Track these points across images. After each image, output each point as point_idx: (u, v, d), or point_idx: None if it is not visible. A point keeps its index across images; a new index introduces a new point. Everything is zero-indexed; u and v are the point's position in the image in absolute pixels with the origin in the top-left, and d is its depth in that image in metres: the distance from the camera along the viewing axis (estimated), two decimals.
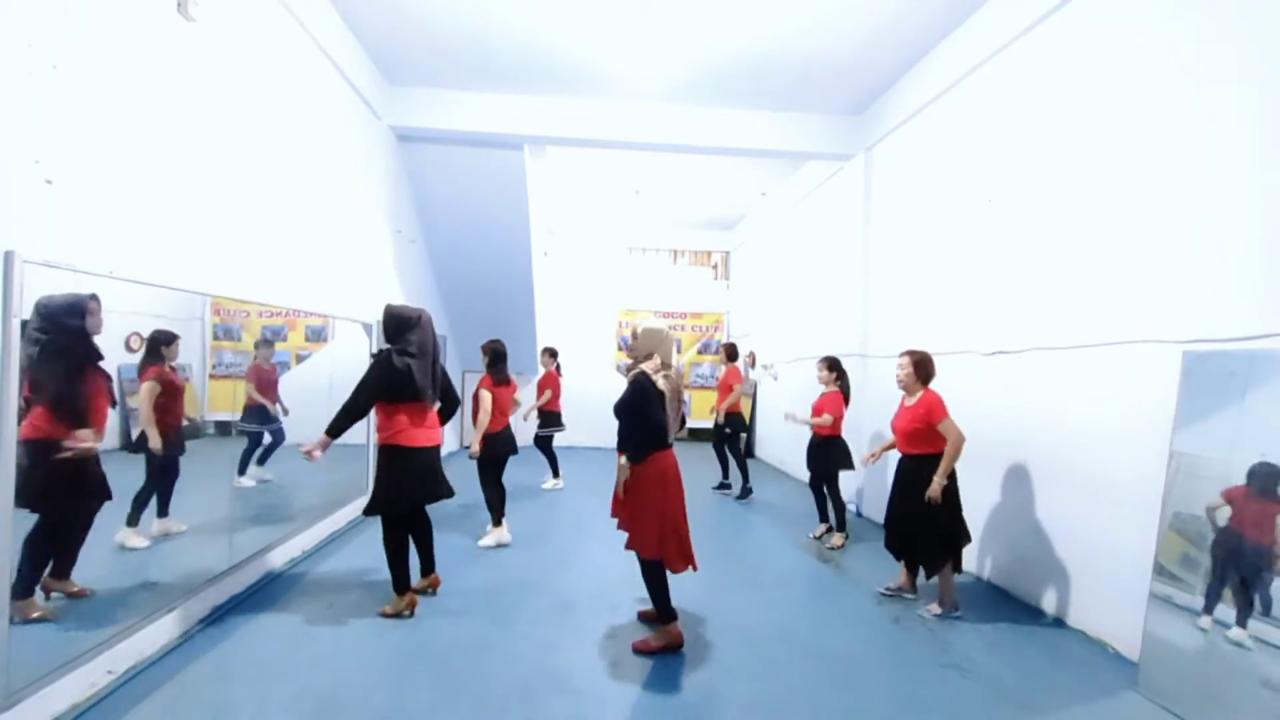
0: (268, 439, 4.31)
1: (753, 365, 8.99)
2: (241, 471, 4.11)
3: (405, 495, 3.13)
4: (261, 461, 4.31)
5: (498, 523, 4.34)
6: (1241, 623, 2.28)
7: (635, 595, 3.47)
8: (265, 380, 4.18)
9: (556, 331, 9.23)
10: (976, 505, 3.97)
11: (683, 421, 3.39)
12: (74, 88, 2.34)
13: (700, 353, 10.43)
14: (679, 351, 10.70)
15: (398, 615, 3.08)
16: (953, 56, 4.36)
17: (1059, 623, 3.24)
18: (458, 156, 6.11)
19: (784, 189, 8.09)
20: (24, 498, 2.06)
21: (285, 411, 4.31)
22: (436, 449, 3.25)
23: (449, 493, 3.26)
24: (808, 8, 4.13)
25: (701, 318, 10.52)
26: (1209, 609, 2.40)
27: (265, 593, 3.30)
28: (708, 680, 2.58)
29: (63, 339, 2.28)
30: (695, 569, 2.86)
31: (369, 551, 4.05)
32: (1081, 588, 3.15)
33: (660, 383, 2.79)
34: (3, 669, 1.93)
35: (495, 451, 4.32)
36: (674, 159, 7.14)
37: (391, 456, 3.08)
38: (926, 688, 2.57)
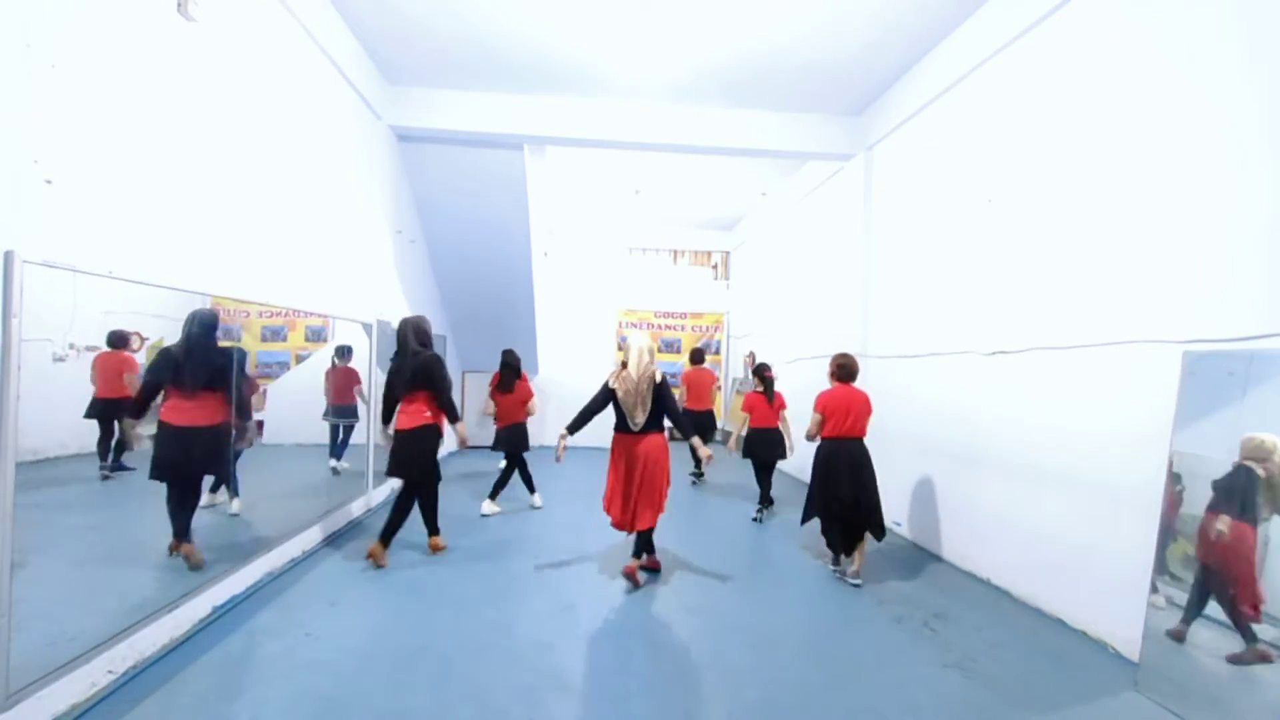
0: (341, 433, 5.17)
1: (751, 365, 8.99)
2: (338, 456, 5.13)
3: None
4: (339, 455, 5.10)
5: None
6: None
7: (633, 596, 3.47)
8: (341, 381, 4.99)
9: (556, 332, 9.23)
10: (977, 505, 3.98)
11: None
12: (73, 88, 2.33)
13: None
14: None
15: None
16: (953, 56, 4.36)
17: (1060, 623, 3.24)
18: (458, 156, 6.10)
19: (784, 189, 8.09)
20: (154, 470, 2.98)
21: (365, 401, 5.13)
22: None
23: None
24: (808, 8, 4.13)
25: (701, 318, 10.51)
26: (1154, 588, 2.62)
27: (265, 592, 3.30)
28: (710, 681, 2.58)
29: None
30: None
31: (366, 551, 4.06)
32: (1082, 588, 3.15)
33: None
34: (3, 669, 1.93)
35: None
36: (674, 159, 7.14)
37: (433, 434, 3.84)
38: (928, 688, 2.57)
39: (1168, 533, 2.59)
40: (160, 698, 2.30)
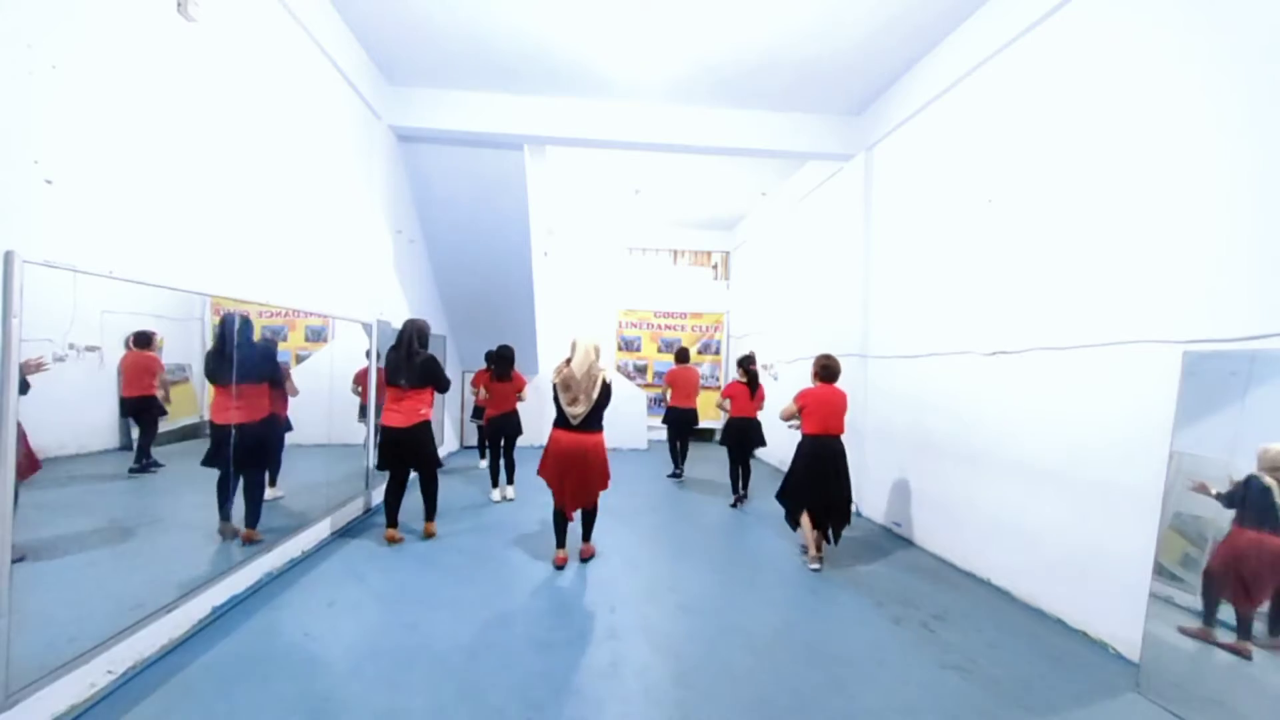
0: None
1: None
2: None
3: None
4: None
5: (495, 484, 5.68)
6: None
7: (635, 596, 3.47)
8: (364, 381, 5.04)
9: (556, 332, 9.22)
10: (976, 505, 3.98)
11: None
12: (74, 88, 2.33)
13: (700, 353, 10.42)
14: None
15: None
16: (953, 56, 4.36)
17: (1060, 623, 3.24)
18: (458, 156, 6.10)
19: (784, 189, 8.09)
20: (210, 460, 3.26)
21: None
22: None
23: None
24: (808, 7, 4.13)
25: (701, 318, 10.52)
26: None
27: (264, 592, 3.30)
28: (708, 682, 2.58)
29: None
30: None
31: (366, 553, 4.06)
32: (1082, 588, 3.15)
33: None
34: (3, 669, 1.93)
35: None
36: (674, 159, 7.14)
37: (430, 428, 4.23)
38: (927, 689, 2.57)
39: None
40: (159, 698, 2.30)
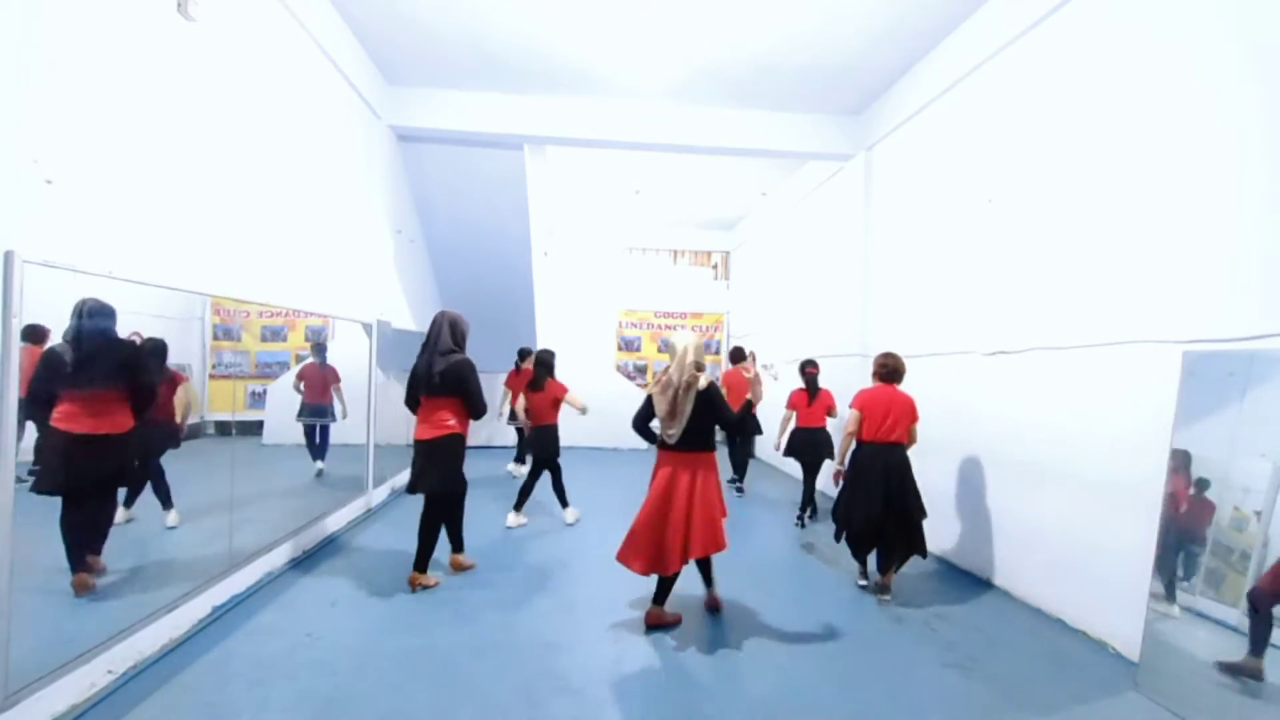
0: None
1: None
2: (319, 457, 5.01)
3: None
4: (319, 456, 4.99)
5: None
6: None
7: (635, 595, 3.46)
8: (313, 380, 4.90)
9: (557, 332, 9.22)
10: (977, 505, 3.98)
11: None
12: (73, 87, 2.33)
13: None
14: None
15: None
16: (953, 56, 4.36)
17: (1060, 623, 3.24)
18: (458, 156, 6.11)
19: (784, 189, 8.09)
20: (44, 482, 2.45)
21: (344, 414, 5.04)
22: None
23: None
24: (808, 8, 4.13)
25: (701, 318, 10.52)
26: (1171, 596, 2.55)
27: (265, 592, 3.29)
28: (711, 681, 2.58)
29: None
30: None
31: (368, 553, 4.05)
32: (1082, 588, 3.15)
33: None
34: (3, 669, 1.93)
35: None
36: (674, 159, 7.14)
37: (459, 444, 3.46)
38: (929, 688, 2.57)
39: (1177, 538, 2.55)
40: (160, 698, 2.30)
